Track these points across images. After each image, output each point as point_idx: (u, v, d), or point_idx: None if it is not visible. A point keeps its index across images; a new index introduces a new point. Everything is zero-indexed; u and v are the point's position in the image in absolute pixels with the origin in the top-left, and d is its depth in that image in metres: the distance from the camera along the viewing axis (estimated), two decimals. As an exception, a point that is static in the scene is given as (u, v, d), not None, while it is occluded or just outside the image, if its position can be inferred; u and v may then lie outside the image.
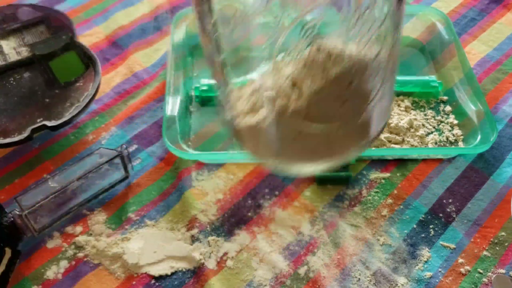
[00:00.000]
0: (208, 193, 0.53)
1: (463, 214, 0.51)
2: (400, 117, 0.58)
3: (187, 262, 0.48)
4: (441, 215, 0.51)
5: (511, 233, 0.50)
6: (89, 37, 0.69)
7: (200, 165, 0.55)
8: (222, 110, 0.36)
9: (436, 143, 0.57)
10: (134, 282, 0.46)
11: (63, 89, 0.57)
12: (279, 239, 0.49)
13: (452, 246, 0.49)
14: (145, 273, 0.47)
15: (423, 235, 0.50)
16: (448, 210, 0.52)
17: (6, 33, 0.60)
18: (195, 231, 0.49)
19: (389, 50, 0.30)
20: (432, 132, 0.58)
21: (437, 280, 0.47)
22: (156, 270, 0.47)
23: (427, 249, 0.49)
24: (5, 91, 0.57)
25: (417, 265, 0.48)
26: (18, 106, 0.55)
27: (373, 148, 0.55)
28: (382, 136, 0.56)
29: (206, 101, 0.61)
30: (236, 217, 0.51)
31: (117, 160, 0.50)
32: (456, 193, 0.53)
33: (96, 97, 0.58)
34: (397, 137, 0.56)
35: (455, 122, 0.59)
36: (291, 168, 0.36)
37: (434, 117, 0.60)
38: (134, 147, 0.57)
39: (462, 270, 0.47)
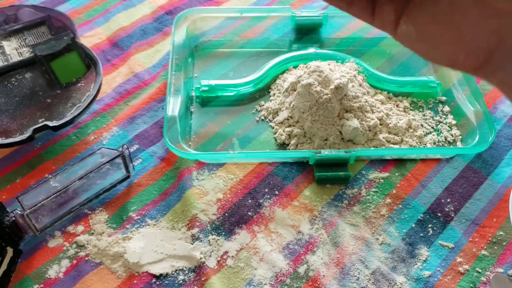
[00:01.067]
0: (209, 192, 0.53)
1: (462, 213, 0.52)
2: (399, 117, 0.58)
3: (188, 261, 0.48)
4: (439, 214, 0.51)
5: (510, 233, 0.50)
6: (90, 38, 0.69)
7: (200, 165, 0.55)
8: None
9: (434, 143, 0.57)
10: (135, 281, 0.47)
11: (65, 89, 0.58)
12: (279, 238, 0.50)
13: (451, 245, 0.49)
14: (146, 272, 0.47)
15: (421, 234, 0.50)
16: (447, 209, 0.52)
17: (8, 34, 0.60)
18: (195, 231, 0.50)
19: None
20: (430, 132, 0.58)
21: (435, 279, 0.47)
22: (157, 269, 0.47)
23: (425, 248, 0.49)
24: (7, 91, 0.57)
25: (416, 264, 0.48)
26: (20, 107, 0.56)
27: (372, 148, 0.55)
28: (381, 136, 0.56)
29: (206, 101, 0.61)
30: (236, 217, 0.51)
31: (118, 160, 0.51)
32: (455, 193, 0.53)
33: (98, 98, 0.58)
34: (396, 137, 0.57)
35: (454, 122, 0.59)
36: None
37: (432, 117, 0.60)
38: (135, 147, 0.57)
39: (460, 269, 0.48)
